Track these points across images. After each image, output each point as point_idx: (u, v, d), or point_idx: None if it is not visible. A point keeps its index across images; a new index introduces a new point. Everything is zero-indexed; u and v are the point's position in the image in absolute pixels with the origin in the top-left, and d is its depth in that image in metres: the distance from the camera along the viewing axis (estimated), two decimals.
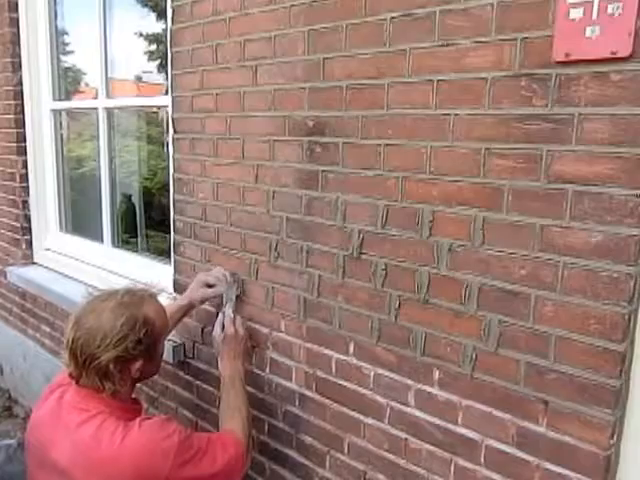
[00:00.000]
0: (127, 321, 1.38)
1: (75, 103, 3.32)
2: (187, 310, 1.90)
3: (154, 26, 2.85)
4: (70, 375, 1.41)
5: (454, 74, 1.26)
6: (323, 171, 1.57)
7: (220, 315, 1.81)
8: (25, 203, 3.24)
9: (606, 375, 1.10)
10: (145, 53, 3.08)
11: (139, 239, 3.15)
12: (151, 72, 3.13)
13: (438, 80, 1.29)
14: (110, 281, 2.60)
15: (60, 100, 3.20)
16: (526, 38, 1.15)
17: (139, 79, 3.11)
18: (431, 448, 1.40)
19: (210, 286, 1.85)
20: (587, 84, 1.08)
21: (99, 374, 1.36)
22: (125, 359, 1.38)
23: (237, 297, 1.84)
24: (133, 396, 1.54)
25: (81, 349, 1.35)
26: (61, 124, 3.26)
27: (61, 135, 3.26)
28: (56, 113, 3.20)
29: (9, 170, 3.28)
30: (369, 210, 1.47)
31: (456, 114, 1.27)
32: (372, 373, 1.51)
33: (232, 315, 1.79)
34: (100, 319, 1.37)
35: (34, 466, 1.46)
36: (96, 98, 2.82)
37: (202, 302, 1.90)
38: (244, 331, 1.77)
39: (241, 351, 1.75)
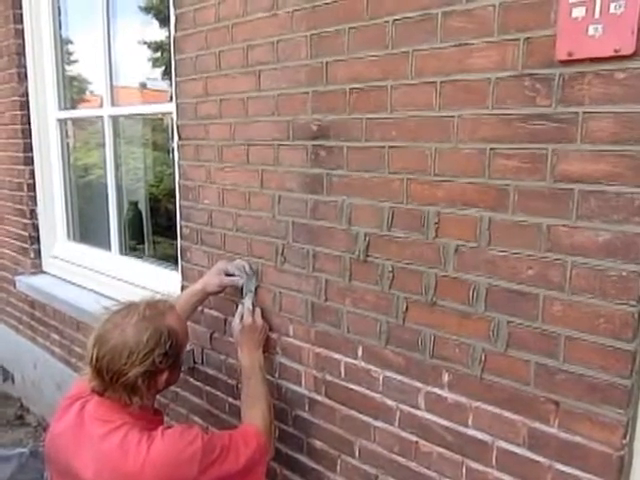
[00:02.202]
0: (152, 335, 1.37)
1: (80, 112, 3.35)
2: (202, 296, 1.88)
3: (158, 33, 2.86)
4: (93, 389, 1.39)
5: (457, 75, 1.26)
6: (328, 174, 1.57)
7: (239, 307, 1.82)
8: (33, 212, 3.27)
9: (617, 374, 1.09)
10: (149, 60, 3.10)
11: (146, 246, 3.16)
12: (155, 79, 3.15)
13: (441, 81, 1.29)
14: (118, 288, 2.61)
15: (66, 109, 3.22)
16: (529, 38, 1.14)
17: (144, 86, 3.12)
18: (442, 450, 1.39)
19: (229, 275, 1.84)
20: (591, 83, 1.07)
21: (127, 389, 1.36)
22: (152, 373, 1.38)
23: (256, 289, 1.84)
24: (155, 406, 1.55)
25: (107, 367, 1.34)
26: (67, 133, 3.29)
27: (67, 144, 3.29)
28: (62, 122, 3.22)
29: (16, 180, 3.31)
30: (374, 213, 1.46)
31: (460, 115, 1.27)
32: (381, 376, 1.51)
33: (251, 307, 1.80)
34: (124, 335, 1.36)
35: (55, 476, 1.46)
36: (101, 106, 2.84)
37: (218, 289, 1.86)
38: (262, 322, 1.78)
39: (260, 341, 1.77)
